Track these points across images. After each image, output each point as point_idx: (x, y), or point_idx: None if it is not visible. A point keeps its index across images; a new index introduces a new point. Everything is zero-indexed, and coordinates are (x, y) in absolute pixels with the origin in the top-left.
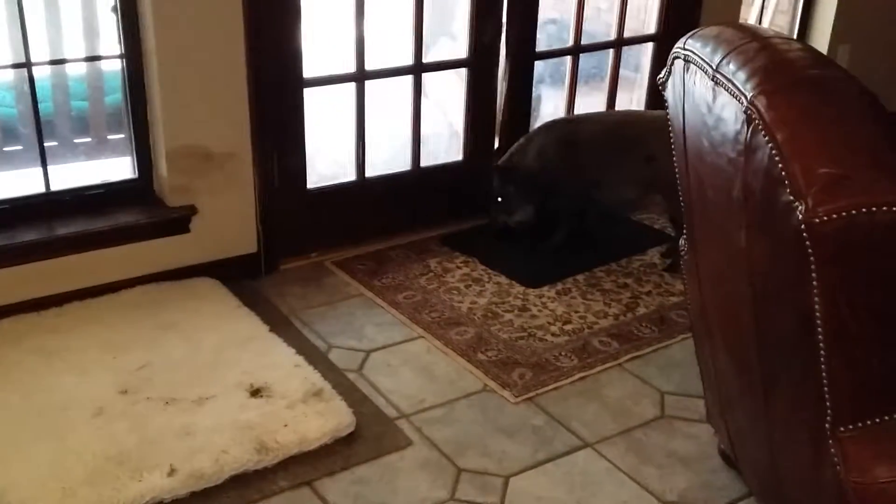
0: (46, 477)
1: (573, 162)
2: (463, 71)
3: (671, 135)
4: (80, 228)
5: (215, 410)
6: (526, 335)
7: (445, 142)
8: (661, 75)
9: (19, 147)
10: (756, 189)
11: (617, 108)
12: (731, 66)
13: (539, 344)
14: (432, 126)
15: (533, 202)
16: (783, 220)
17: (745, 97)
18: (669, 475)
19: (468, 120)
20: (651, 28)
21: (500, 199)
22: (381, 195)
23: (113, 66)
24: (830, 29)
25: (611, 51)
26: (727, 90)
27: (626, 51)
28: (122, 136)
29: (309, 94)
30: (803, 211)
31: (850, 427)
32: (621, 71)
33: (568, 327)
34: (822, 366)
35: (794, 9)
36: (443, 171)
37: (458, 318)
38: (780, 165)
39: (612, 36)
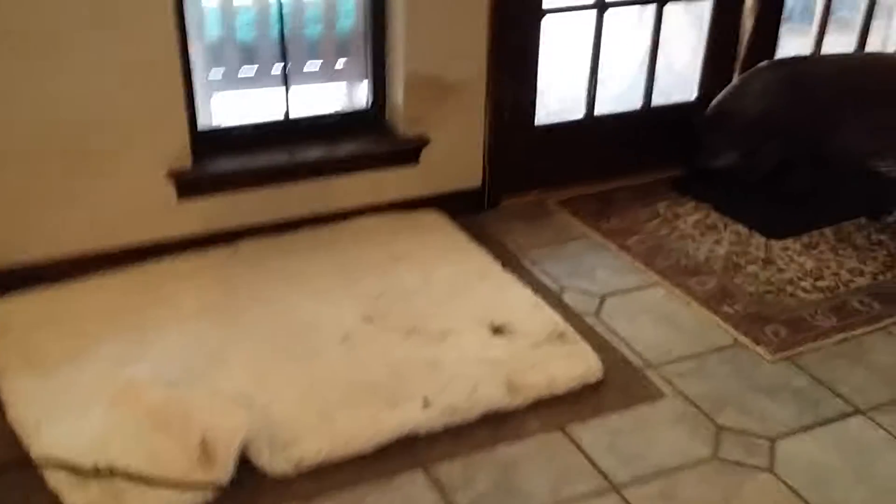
0: (303, 398)
1: (803, 105)
2: (696, 5)
3: None
4: (317, 156)
5: (459, 345)
6: (775, 289)
7: (674, 80)
8: None
9: (253, 70)
10: None
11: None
12: None
13: (790, 300)
14: (662, 63)
15: (740, 148)
16: None
17: None
18: None
19: (706, 57)
20: None
21: (700, 143)
22: (609, 134)
23: None
24: None
25: None
26: None
27: None
28: (350, 62)
29: (546, 23)
30: None
31: None
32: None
33: (821, 284)
34: None
35: None
36: (675, 111)
37: (695, 266)
38: None
39: None
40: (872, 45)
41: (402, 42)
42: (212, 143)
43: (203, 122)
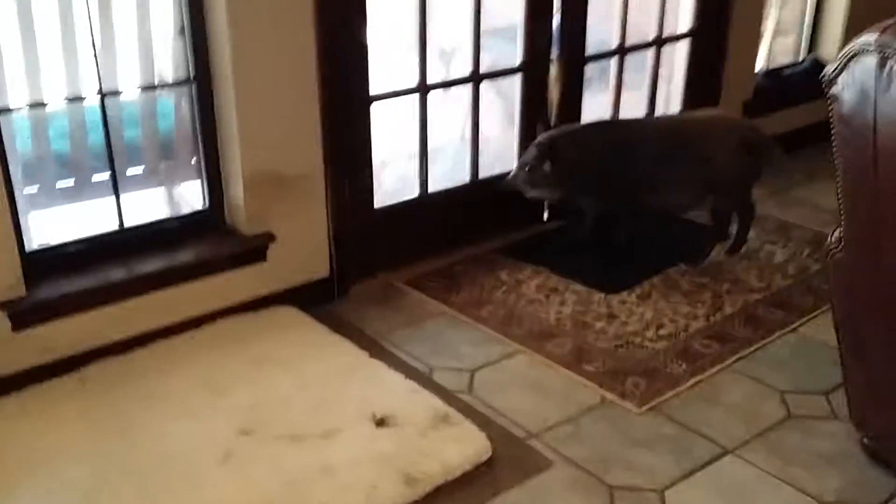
0: None
1: (628, 165)
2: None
3: (842, 130)
4: (158, 266)
5: (347, 444)
6: (624, 343)
7: (493, 152)
8: (828, 72)
9: (72, 181)
10: None
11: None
12: None
13: (641, 351)
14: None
15: (561, 189)
16: None
17: None
18: (820, 475)
19: (522, 126)
20: (685, 27)
21: (528, 169)
22: (443, 209)
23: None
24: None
25: (649, 51)
26: None
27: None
28: (177, 164)
29: (374, 109)
30: None
31: None
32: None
33: (663, 332)
34: None
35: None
36: (500, 181)
37: (549, 329)
38: None
39: (651, 37)
40: (658, 102)
41: (236, 140)
42: (43, 264)
43: (30, 243)
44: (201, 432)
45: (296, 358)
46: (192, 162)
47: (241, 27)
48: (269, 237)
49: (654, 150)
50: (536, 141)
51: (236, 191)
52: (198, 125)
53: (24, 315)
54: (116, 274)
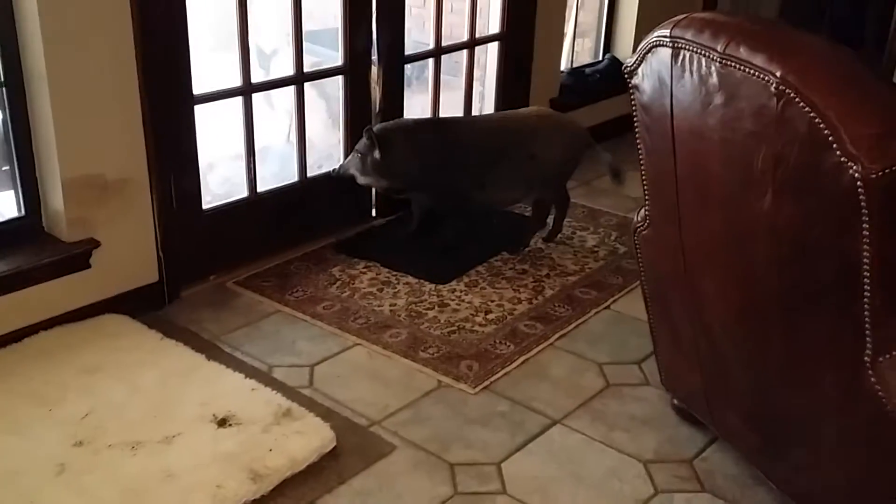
0: None
1: (457, 162)
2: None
3: (643, 117)
4: None
5: (188, 447)
6: (456, 329)
7: (318, 151)
8: (628, 64)
9: None
10: (790, 155)
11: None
12: (743, 50)
13: (472, 335)
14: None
15: (390, 179)
16: (831, 179)
17: (774, 74)
18: (638, 436)
19: (346, 126)
20: (495, 29)
21: (359, 156)
22: (273, 209)
23: None
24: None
25: (465, 51)
26: (743, 70)
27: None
28: None
29: (198, 111)
30: (860, 169)
31: (888, 356)
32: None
33: (491, 316)
34: (866, 304)
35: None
36: (326, 180)
37: (384, 321)
38: (825, 132)
39: (465, 38)
40: (474, 101)
41: (53, 145)
42: None
43: None
44: (32, 447)
45: (128, 365)
46: (5, 169)
47: (54, 27)
48: (93, 243)
49: (483, 149)
50: (367, 128)
51: (55, 197)
52: (10, 131)
53: None
54: None
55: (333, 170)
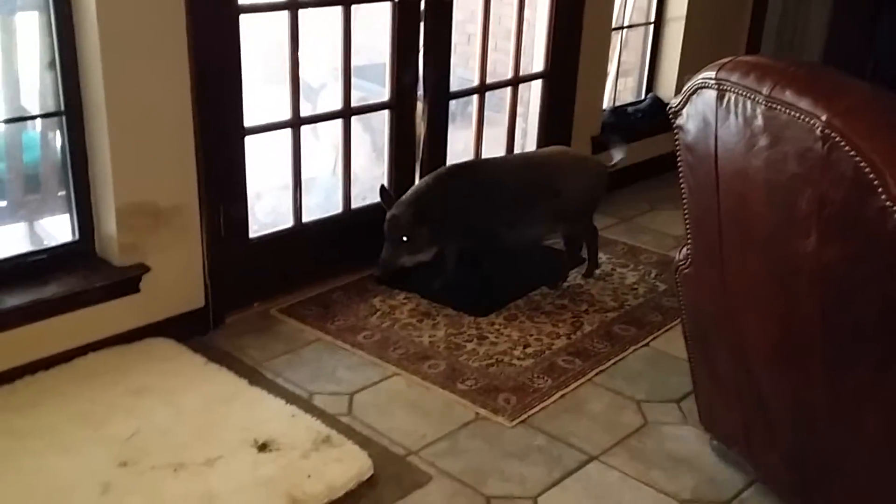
0: None
1: (488, 206)
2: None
3: (687, 156)
4: (25, 300)
5: (229, 471)
6: (494, 362)
7: (362, 183)
8: (673, 104)
9: None
10: (835, 198)
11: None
12: (789, 93)
13: (510, 369)
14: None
15: (439, 243)
16: (876, 222)
17: (819, 118)
18: (676, 476)
19: (391, 159)
20: (539, 67)
21: (405, 239)
22: (317, 239)
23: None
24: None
25: (508, 88)
26: (788, 114)
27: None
28: (43, 196)
29: (248, 142)
30: None
31: None
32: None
33: (529, 350)
34: None
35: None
36: (372, 211)
37: (423, 351)
38: (870, 175)
39: (509, 75)
40: (516, 138)
41: (108, 172)
42: None
43: None
44: (78, 466)
45: (173, 388)
46: (60, 194)
47: (113, 58)
48: (143, 268)
49: (511, 189)
50: (393, 213)
51: (108, 222)
52: (68, 157)
53: None
54: None
55: (379, 269)
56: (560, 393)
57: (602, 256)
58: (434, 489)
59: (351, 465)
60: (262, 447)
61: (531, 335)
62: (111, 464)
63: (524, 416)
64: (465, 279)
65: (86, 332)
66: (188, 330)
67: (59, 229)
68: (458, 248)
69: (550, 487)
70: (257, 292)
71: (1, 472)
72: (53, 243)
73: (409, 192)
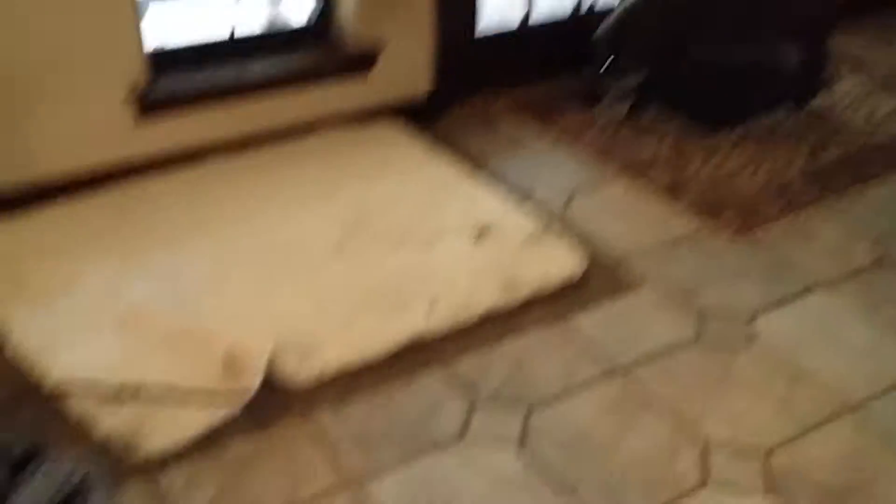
0: (314, 310)
1: (706, 21)
2: None
3: None
4: (268, 71)
5: (447, 251)
6: (723, 178)
7: None
8: None
9: None
10: None
11: None
12: None
13: (738, 187)
14: None
15: (648, 65)
16: None
17: None
18: None
19: None
20: None
21: (609, 62)
22: (545, 39)
23: None
24: None
25: None
26: None
27: None
28: None
29: None
30: None
31: None
32: None
33: (762, 170)
34: None
35: None
36: (600, 18)
37: (647, 161)
38: None
39: None
40: None
41: None
42: (163, 62)
43: (150, 42)
44: (313, 228)
45: (398, 170)
46: None
47: None
48: (376, 50)
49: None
50: (598, 34)
51: (347, 2)
52: None
53: (148, 104)
54: (228, 76)
55: (583, 92)
56: (790, 217)
57: (855, 78)
58: (644, 294)
59: (564, 261)
60: (480, 234)
61: (767, 155)
62: (340, 230)
63: (748, 235)
64: (698, 92)
65: (320, 108)
66: (414, 117)
67: (299, 6)
68: (668, 70)
69: (768, 308)
70: (484, 85)
71: (245, 224)
72: (295, 20)
73: (619, 6)
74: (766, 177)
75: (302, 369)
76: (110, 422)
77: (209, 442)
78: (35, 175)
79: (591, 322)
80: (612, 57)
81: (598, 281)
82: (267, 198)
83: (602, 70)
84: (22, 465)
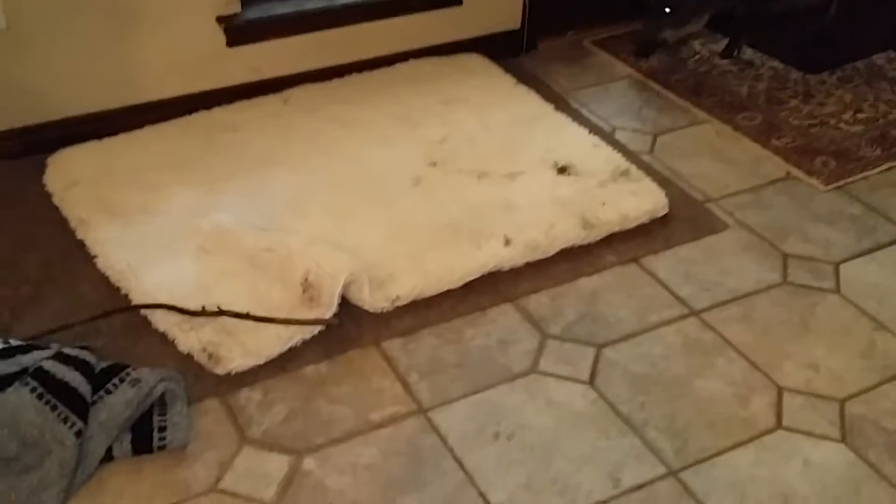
0: (390, 240)
1: None
2: None
3: None
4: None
5: (528, 186)
6: (818, 122)
7: None
8: None
9: None
10: None
11: None
12: None
13: (834, 132)
14: None
15: (709, 10)
16: None
17: None
18: None
19: None
20: None
21: (667, 11)
22: None
23: None
24: None
25: None
26: None
27: None
28: None
29: None
30: None
31: None
32: None
33: (861, 116)
34: None
35: None
36: None
37: (740, 102)
38: None
39: None
40: None
41: None
42: None
43: None
44: (394, 159)
45: (483, 103)
46: None
47: None
48: None
49: None
50: None
51: None
52: None
53: (237, 31)
54: (317, 5)
55: (637, 43)
56: (888, 165)
57: None
58: (729, 237)
59: (646, 200)
60: (562, 170)
61: (866, 100)
62: (422, 161)
63: (841, 183)
64: (796, 31)
65: (407, 39)
66: (501, 50)
67: None
68: (764, 7)
69: (856, 257)
70: (572, 21)
71: (327, 153)
72: None
73: None
74: (864, 123)
75: (376, 298)
76: (191, 339)
77: (284, 362)
78: (129, 99)
79: (671, 263)
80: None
81: (680, 222)
82: (351, 128)
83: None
84: (107, 378)
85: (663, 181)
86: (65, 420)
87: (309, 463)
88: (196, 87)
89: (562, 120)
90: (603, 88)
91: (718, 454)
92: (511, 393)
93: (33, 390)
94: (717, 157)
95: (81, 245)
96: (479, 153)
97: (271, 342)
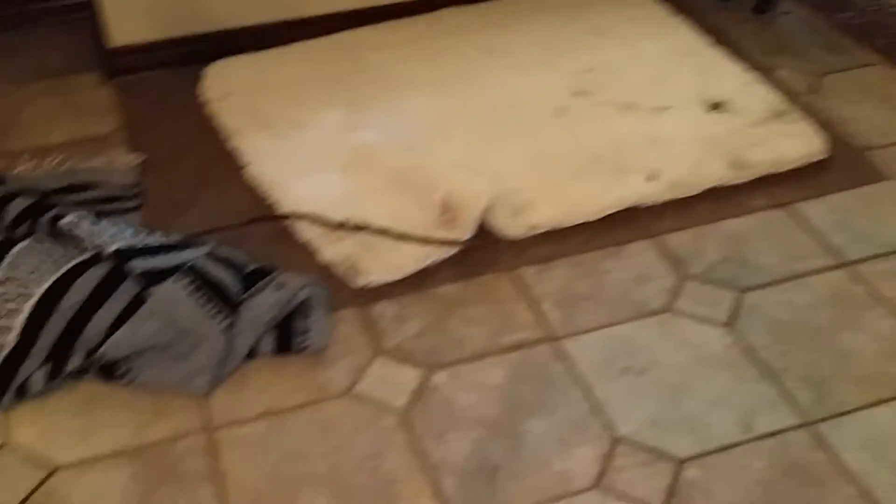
0: (530, 168)
1: None
2: None
3: None
4: None
5: (676, 121)
6: None
7: None
8: None
9: None
10: None
11: None
12: None
13: None
14: None
15: None
16: None
17: None
18: None
19: None
20: None
21: None
22: None
23: None
24: None
25: None
26: None
27: None
28: None
29: None
30: None
31: None
32: None
33: None
34: None
35: None
36: None
37: None
38: None
39: None
40: None
41: None
42: None
43: None
44: (539, 87)
45: (634, 33)
46: None
47: None
48: None
49: None
50: None
51: None
52: None
53: None
54: None
55: None
56: None
57: None
58: (887, 189)
59: (802, 143)
60: (714, 107)
61: None
62: (567, 91)
63: None
64: None
65: None
66: None
67: None
68: None
69: None
70: None
71: (470, 79)
72: None
73: None
74: None
75: (513, 224)
76: (333, 251)
77: (420, 280)
78: (282, 13)
79: (823, 211)
80: None
81: (836, 169)
82: (496, 53)
83: None
84: (254, 279)
85: (822, 124)
86: (215, 315)
87: (439, 377)
88: (345, 6)
89: (717, 55)
90: (763, 23)
91: (858, 409)
92: (644, 330)
93: (189, 284)
94: (884, 103)
95: (232, 154)
96: (626, 85)
97: (408, 259)
